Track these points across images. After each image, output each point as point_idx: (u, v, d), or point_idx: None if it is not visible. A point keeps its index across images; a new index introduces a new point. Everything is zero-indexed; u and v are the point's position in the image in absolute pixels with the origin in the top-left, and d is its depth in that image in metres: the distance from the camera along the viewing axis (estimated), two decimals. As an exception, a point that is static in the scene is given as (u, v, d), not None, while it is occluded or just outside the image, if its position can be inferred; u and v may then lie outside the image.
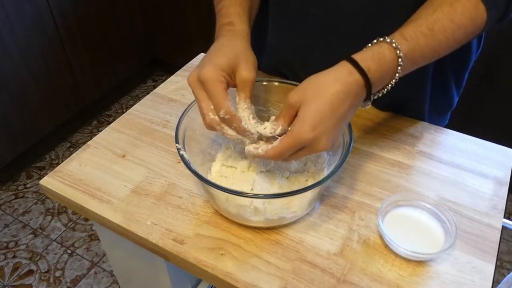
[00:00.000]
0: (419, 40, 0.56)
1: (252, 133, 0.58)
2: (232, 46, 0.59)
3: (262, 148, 0.56)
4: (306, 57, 0.77)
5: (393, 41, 0.55)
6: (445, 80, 0.80)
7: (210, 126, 0.58)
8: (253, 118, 0.59)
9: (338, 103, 0.52)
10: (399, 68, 0.55)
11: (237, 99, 0.59)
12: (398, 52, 0.54)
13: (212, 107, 0.56)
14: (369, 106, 0.60)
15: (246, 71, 0.58)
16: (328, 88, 0.53)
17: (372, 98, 0.59)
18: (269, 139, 0.59)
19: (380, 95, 0.58)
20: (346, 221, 0.63)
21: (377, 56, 0.54)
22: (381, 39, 0.56)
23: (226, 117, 0.55)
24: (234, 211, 0.60)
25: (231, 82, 0.59)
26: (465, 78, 0.83)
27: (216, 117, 0.56)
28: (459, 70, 0.80)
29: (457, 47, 0.61)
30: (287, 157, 0.55)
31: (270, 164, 0.64)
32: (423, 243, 0.59)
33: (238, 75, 0.58)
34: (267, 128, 0.58)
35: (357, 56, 0.54)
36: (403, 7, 0.63)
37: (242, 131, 0.57)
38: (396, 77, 0.56)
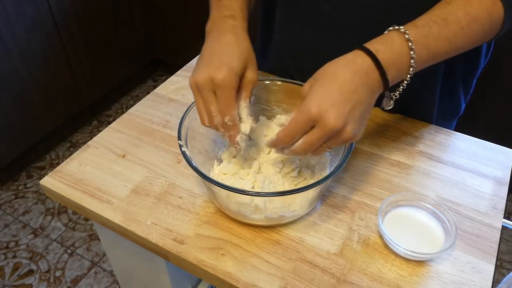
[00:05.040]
0: (431, 28, 0.55)
1: (239, 146, 0.60)
2: (240, 47, 0.60)
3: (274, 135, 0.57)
4: (317, 52, 0.76)
5: (401, 27, 0.55)
6: (453, 84, 0.79)
7: (215, 127, 0.59)
8: (250, 116, 0.61)
9: (345, 80, 0.52)
10: (412, 52, 0.54)
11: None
12: (406, 36, 0.54)
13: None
14: (391, 106, 0.60)
15: (252, 72, 0.60)
16: (336, 69, 0.54)
17: (393, 97, 0.59)
18: None
19: (401, 89, 0.58)
20: (346, 221, 0.63)
21: (385, 39, 0.55)
22: (391, 28, 0.56)
23: (229, 123, 0.58)
24: (234, 208, 0.60)
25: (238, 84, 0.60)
26: (473, 84, 0.82)
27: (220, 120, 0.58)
28: (467, 74, 0.80)
29: (476, 43, 0.60)
30: (301, 144, 0.54)
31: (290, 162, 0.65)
32: (423, 243, 0.59)
33: (245, 76, 0.59)
34: (281, 119, 0.61)
35: (365, 43, 0.55)
36: (414, 2, 0.62)
37: (233, 141, 0.60)
38: (413, 64, 0.55)
